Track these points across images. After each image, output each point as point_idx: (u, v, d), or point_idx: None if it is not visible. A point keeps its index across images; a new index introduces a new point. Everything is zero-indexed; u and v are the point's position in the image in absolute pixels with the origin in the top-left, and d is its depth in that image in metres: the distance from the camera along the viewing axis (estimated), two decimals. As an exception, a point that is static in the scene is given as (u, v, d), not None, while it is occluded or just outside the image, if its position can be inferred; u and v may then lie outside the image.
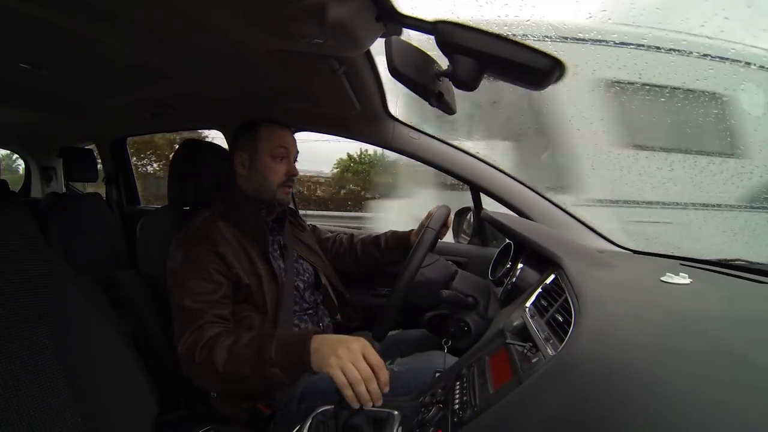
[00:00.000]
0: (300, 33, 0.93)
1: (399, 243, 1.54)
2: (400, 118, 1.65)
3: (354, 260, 1.62)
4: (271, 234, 1.36)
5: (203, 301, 1.11)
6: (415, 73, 0.80)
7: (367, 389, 0.83)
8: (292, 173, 1.34)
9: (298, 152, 1.38)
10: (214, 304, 1.12)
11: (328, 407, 0.84)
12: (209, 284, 1.14)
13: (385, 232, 1.60)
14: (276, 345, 0.95)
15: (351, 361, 0.85)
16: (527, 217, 1.53)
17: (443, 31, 0.76)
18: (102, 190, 3.02)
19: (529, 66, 0.74)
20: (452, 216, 1.50)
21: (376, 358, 0.87)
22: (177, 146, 1.52)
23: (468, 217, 1.83)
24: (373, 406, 0.84)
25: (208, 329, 1.06)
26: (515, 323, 0.91)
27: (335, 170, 13.97)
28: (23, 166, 3.43)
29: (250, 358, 0.97)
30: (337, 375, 0.84)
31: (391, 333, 1.39)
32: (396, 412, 0.87)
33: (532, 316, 0.90)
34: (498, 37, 0.74)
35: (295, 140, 1.38)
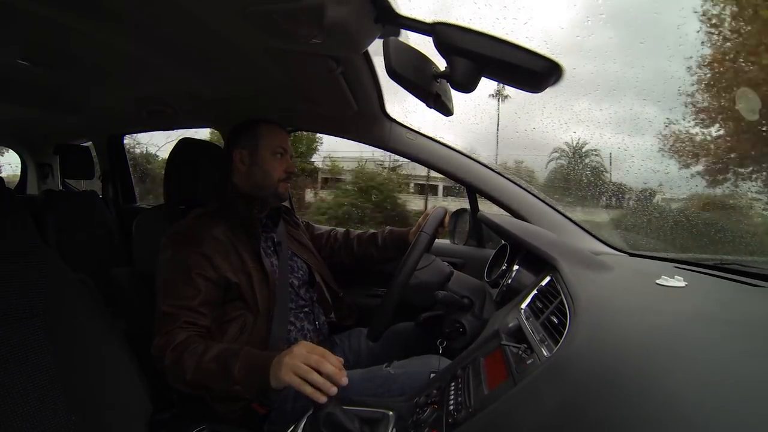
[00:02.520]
0: (298, 33, 0.93)
1: (396, 241, 1.54)
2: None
3: (350, 256, 1.62)
4: (264, 231, 1.36)
5: (179, 306, 1.13)
6: (412, 75, 0.79)
7: (322, 374, 0.87)
8: (291, 170, 1.38)
9: (292, 153, 1.42)
10: (189, 310, 1.14)
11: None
12: (189, 289, 1.15)
13: (383, 230, 1.60)
14: (239, 364, 1.00)
15: (299, 360, 0.90)
16: (523, 219, 1.54)
17: (441, 33, 0.76)
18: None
19: (527, 68, 0.74)
20: (449, 217, 1.50)
21: (320, 349, 0.93)
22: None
23: (465, 218, 1.83)
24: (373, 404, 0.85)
25: (178, 334, 1.10)
26: (510, 324, 0.91)
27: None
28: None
29: (216, 373, 1.02)
30: (291, 378, 0.89)
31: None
32: (391, 413, 0.87)
33: (527, 318, 0.90)
34: (496, 39, 0.74)
35: (289, 141, 1.42)
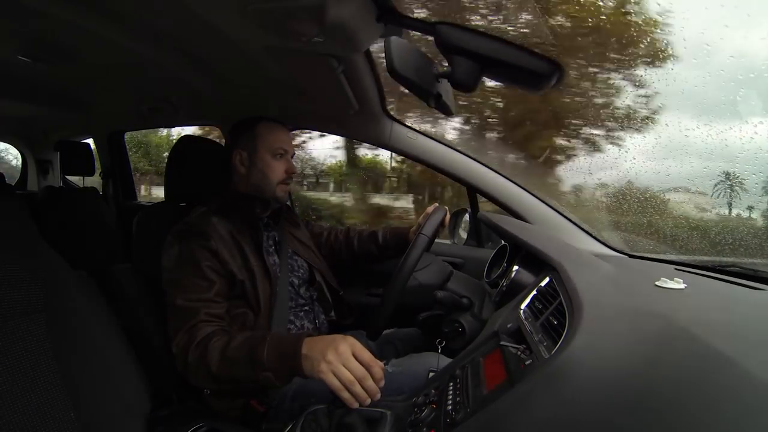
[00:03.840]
0: (299, 31, 0.93)
1: (397, 239, 1.54)
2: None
3: (350, 254, 1.61)
4: (265, 230, 1.36)
5: (196, 299, 1.11)
6: (414, 74, 0.79)
7: (362, 387, 0.84)
8: (291, 171, 1.36)
9: (294, 152, 1.40)
10: (207, 302, 1.12)
11: (321, 406, 0.84)
12: (202, 281, 1.14)
13: (384, 228, 1.59)
14: (268, 349, 0.96)
15: (341, 363, 0.86)
16: (523, 219, 1.54)
17: (443, 33, 0.76)
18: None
19: (528, 69, 0.74)
20: (449, 216, 1.50)
21: (366, 354, 0.89)
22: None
23: (464, 218, 1.83)
24: (370, 404, 0.85)
25: (202, 328, 1.07)
26: (509, 325, 0.91)
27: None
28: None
29: (243, 361, 0.98)
30: (331, 380, 0.85)
31: (386, 332, 1.39)
32: (389, 412, 0.87)
33: (526, 318, 0.91)
34: (497, 39, 0.74)
35: (291, 139, 1.40)
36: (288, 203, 1.68)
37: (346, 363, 0.86)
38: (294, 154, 1.40)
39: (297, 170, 1.38)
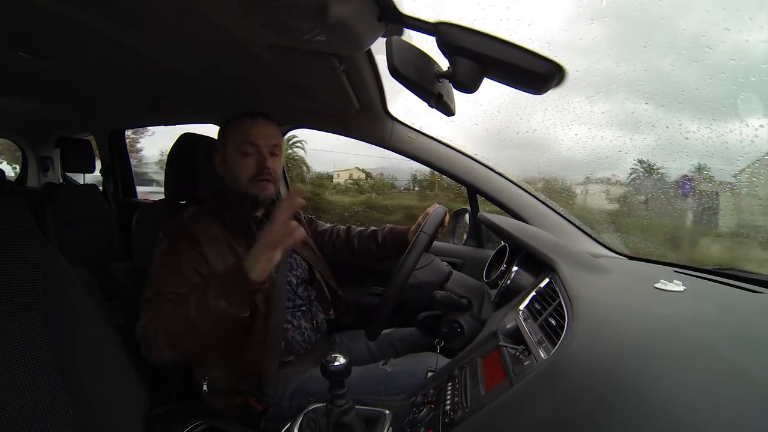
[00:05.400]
0: (301, 30, 0.93)
1: (396, 239, 1.54)
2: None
3: (350, 253, 1.61)
4: (261, 229, 1.35)
5: (164, 291, 1.10)
6: (415, 74, 0.79)
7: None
8: (261, 166, 1.28)
9: (275, 145, 1.32)
10: (174, 294, 1.10)
11: (320, 405, 0.84)
12: (178, 279, 1.12)
13: (383, 228, 1.59)
14: (215, 281, 1.05)
15: (269, 242, 1.03)
16: (523, 220, 1.54)
17: (444, 33, 0.75)
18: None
19: (530, 70, 0.73)
20: (449, 217, 1.50)
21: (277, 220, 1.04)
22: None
23: (464, 218, 1.83)
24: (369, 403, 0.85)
25: (164, 307, 1.07)
26: (508, 326, 0.91)
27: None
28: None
29: (194, 301, 1.03)
30: (274, 255, 1.03)
31: (385, 331, 1.39)
32: (387, 412, 0.87)
33: (525, 319, 0.91)
34: (499, 39, 0.73)
35: (268, 133, 1.31)
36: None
37: (270, 243, 1.03)
38: (276, 148, 1.32)
39: (269, 165, 1.29)
